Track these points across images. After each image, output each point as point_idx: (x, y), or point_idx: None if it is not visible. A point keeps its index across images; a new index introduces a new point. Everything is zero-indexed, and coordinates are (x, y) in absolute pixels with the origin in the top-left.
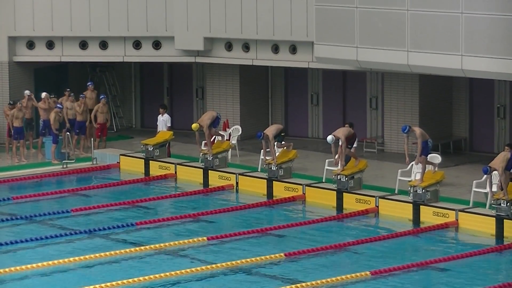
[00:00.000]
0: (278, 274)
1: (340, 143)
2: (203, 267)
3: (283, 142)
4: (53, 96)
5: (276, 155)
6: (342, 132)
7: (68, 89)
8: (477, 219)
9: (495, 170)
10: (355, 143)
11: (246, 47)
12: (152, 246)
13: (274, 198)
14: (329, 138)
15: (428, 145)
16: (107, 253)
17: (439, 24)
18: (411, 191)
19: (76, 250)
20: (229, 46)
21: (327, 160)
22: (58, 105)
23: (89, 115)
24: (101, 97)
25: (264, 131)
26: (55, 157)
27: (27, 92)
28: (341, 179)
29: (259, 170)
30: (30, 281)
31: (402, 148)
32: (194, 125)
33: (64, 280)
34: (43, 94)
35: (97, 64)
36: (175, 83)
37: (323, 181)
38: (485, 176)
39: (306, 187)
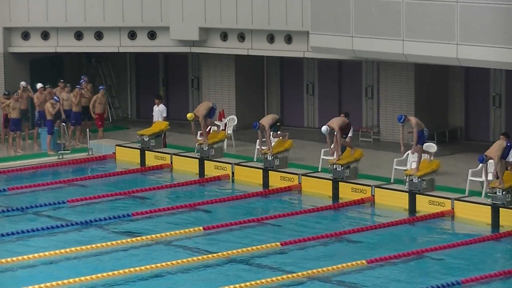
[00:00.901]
0: (274, 264)
1: (335, 133)
2: (199, 257)
3: (278, 132)
4: (49, 86)
5: (272, 145)
6: (336, 122)
7: (62, 80)
8: (473, 208)
9: (490, 159)
10: (351, 132)
11: (241, 37)
12: (148, 236)
13: (270, 188)
14: (324, 128)
15: (424, 134)
16: (103, 243)
17: (435, 13)
18: (407, 180)
19: (72, 241)
20: (224, 36)
21: (322, 150)
22: (55, 98)
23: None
24: (100, 87)
25: (260, 121)
26: (50, 148)
27: (22, 83)
28: (337, 169)
29: (255, 160)
30: (25, 272)
31: (398, 137)
32: (189, 115)
33: (60, 271)
34: (39, 85)
35: (93, 54)
36: (171, 74)
37: (319, 170)
38: (480, 165)
39: (302, 176)
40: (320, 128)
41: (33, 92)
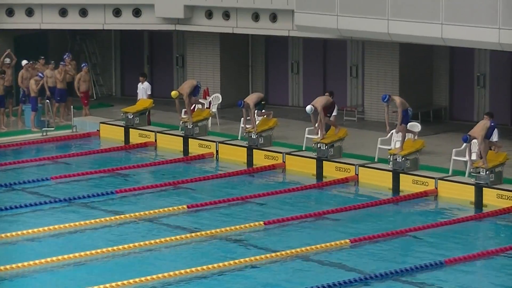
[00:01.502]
0: (258, 242)
1: (318, 111)
2: (183, 236)
3: (263, 111)
4: (32, 62)
5: (256, 123)
6: (319, 101)
7: (43, 57)
8: (456, 187)
9: (474, 138)
10: (335, 111)
11: (226, 15)
12: (132, 214)
13: (254, 166)
14: (308, 108)
15: (408, 113)
16: (87, 221)
17: None
18: (391, 160)
19: (56, 218)
20: (209, 14)
21: (307, 129)
22: (39, 74)
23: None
24: (82, 65)
25: (245, 100)
26: (34, 125)
27: (7, 60)
28: (321, 148)
29: (239, 138)
30: (8, 249)
31: (382, 116)
32: (173, 92)
33: (43, 248)
34: (24, 62)
35: (77, 32)
36: (156, 51)
37: (303, 149)
38: (464, 144)
39: (286, 155)
40: (305, 107)
41: (17, 69)
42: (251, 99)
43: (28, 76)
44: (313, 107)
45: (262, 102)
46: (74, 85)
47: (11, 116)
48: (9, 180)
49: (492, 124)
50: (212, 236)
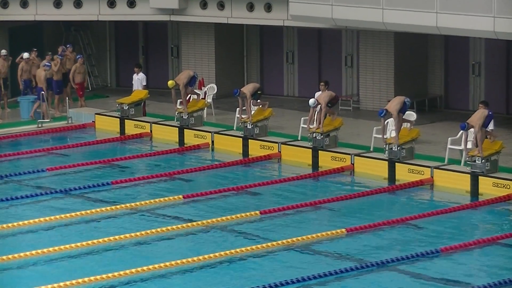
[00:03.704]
0: (253, 232)
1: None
2: (179, 226)
3: (258, 101)
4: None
5: (252, 113)
6: (323, 97)
7: (35, 49)
8: (452, 176)
9: (472, 127)
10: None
11: (221, 5)
12: (127, 205)
13: (249, 157)
14: (311, 101)
15: (406, 104)
16: (83, 212)
17: None
18: (387, 149)
19: (52, 210)
20: (204, 4)
21: (302, 118)
22: (46, 64)
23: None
24: (77, 56)
25: (241, 89)
26: (33, 115)
27: (3, 51)
28: (317, 137)
29: (234, 128)
30: (6, 241)
31: (378, 106)
32: (170, 82)
33: (39, 240)
34: (25, 55)
35: (72, 23)
36: (150, 42)
37: (299, 139)
38: (461, 132)
39: (281, 145)
40: (300, 97)
41: (13, 61)
42: (248, 88)
43: (28, 69)
44: (316, 101)
45: (259, 92)
46: (69, 76)
47: (6, 108)
48: (5, 171)
49: (490, 113)
50: (208, 226)
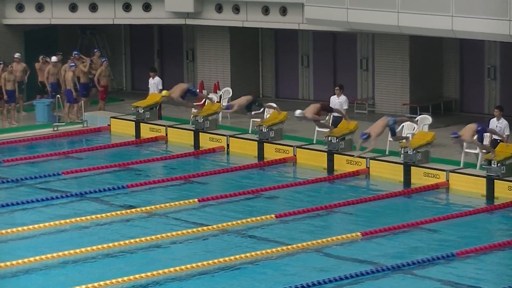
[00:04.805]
0: (269, 236)
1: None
2: (194, 229)
3: (253, 113)
4: (43, 56)
5: (265, 117)
6: (310, 110)
7: (61, 53)
8: (468, 179)
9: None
10: (346, 104)
11: (236, 8)
12: (143, 208)
13: (265, 160)
14: (298, 112)
15: (391, 126)
16: (98, 215)
17: None
18: (402, 152)
19: (67, 213)
20: (219, 8)
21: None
22: (71, 64)
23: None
24: (102, 60)
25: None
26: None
27: (17, 55)
28: (332, 141)
29: (249, 132)
30: (21, 244)
31: (393, 109)
32: (164, 92)
33: (54, 243)
34: (53, 58)
35: (87, 26)
36: (166, 46)
37: (314, 142)
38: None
39: (297, 148)
40: (316, 100)
41: (28, 65)
42: (238, 103)
43: (55, 72)
44: (303, 113)
45: (256, 104)
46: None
47: (22, 111)
48: (20, 175)
49: (480, 128)
50: (223, 229)
